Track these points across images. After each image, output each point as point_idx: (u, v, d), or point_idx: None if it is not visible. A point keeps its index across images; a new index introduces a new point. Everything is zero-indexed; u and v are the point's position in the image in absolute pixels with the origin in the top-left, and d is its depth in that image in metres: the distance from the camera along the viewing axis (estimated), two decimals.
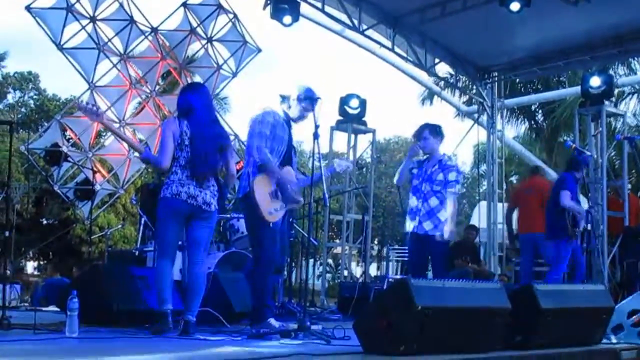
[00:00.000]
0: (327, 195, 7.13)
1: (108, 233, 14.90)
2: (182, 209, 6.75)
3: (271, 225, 7.04)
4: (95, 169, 15.34)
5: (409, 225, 8.48)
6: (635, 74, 25.83)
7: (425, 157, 8.75)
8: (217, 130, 7.00)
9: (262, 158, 6.93)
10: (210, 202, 6.83)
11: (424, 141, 8.62)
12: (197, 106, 6.97)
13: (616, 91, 15.02)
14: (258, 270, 7.06)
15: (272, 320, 6.84)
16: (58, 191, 16.62)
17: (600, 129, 13.12)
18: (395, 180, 8.99)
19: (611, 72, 20.67)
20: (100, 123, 8.09)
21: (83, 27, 15.55)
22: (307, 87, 7.27)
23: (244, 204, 7.15)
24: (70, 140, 16.60)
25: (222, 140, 6.98)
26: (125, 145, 15.46)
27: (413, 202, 8.52)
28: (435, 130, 8.66)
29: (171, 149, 6.78)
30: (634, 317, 6.87)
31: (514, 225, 12.41)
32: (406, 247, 9.91)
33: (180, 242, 7.21)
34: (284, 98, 7.27)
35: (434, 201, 8.40)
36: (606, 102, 13.08)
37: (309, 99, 7.17)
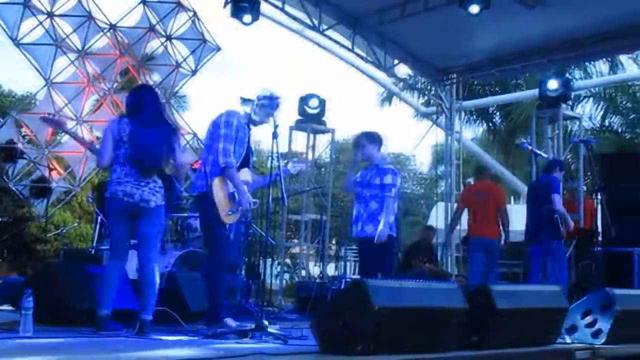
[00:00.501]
0: (285, 195, 7.13)
1: (63, 231, 14.76)
2: (121, 207, 6.73)
3: (230, 226, 7.07)
4: (51, 166, 15.21)
5: (354, 231, 8.65)
6: (592, 77, 26.11)
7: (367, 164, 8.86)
8: (160, 126, 6.90)
9: (228, 162, 6.96)
10: (148, 199, 6.71)
11: (362, 149, 8.70)
12: (141, 104, 6.98)
13: (573, 94, 15.15)
14: (213, 269, 7.07)
15: (229, 320, 6.84)
16: (13, 188, 16.44)
17: (557, 131, 13.24)
18: (341, 189, 9.11)
19: (568, 75, 20.82)
20: (66, 133, 8.10)
21: (40, 23, 15.41)
22: (270, 92, 7.30)
23: (200, 203, 7.14)
24: (26, 137, 16.45)
25: (165, 135, 6.86)
26: None
27: (356, 208, 8.64)
28: (372, 137, 8.75)
29: (108, 147, 6.81)
30: (588, 317, 6.94)
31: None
32: None
33: (133, 242, 7.15)
34: (245, 100, 7.25)
35: (373, 205, 8.49)
36: (563, 105, 13.21)
37: (271, 104, 7.21)
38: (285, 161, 8.90)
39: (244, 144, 7.18)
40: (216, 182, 6.93)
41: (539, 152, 10.19)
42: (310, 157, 15.07)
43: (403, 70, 18.22)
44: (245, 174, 7.29)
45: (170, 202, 6.98)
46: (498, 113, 29.37)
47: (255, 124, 7.34)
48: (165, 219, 7.12)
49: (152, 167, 6.78)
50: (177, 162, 6.92)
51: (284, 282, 16.05)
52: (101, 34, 16.17)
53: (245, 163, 7.25)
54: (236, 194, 7.07)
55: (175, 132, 7.06)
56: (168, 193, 6.89)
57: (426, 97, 21.67)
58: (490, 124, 30.05)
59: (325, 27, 13.86)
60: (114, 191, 6.74)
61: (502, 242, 11.70)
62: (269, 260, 13.28)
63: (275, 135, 6.90)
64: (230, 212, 7.07)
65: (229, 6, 12.47)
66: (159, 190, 6.79)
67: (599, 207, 10.47)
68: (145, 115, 6.88)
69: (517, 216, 16.19)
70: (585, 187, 12.74)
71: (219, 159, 6.93)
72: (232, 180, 7.06)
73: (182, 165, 7.01)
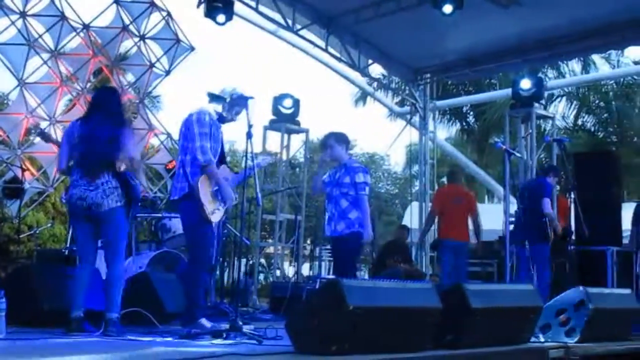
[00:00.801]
0: (259, 195, 7.12)
1: (37, 232, 14.67)
2: (76, 211, 6.73)
3: (213, 225, 7.07)
4: (24, 166, 15.11)
5: (327, 231, 8.65)
6: (564, 77, 26.28)
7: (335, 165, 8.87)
8: (106, 124, 6.81)
9: (207, 159, 6.89)
10: (99, 202, 6.63)
11: (330, 149, 8.73)
12: (94, 105, 7.04)
13: (546, 94, 15.23)
14: (194, 270, 7.03)
15: (204, 321, 6.81)
16: None
17: (530, 130, 13.32)
18: (311, 191, 9.08)
19: (541, 75, 20.95)
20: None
21: (13, 23, 15.29)
22: (237, 91, 7.29)
23: (184, 204, 7.07)
24: None
25: (110, 132, 6.76)
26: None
27: (328, 208, 8.67)
28: (339, 138, 8.78)
29: (64, 152, 6.87)
30: (562, 316, 6.98)
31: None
32: None
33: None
34: (215, 97, 7.22)
35: (343, 203, 8.50)
36: (536, 105, 13.28)
37: (242, 103, 7.19)
38: (261, 155, 8.95)
39: (218, 141, 7.13)
40: (201, 181, 6.89)
41: (512, 151, 10.22)
42: (284, 157, 15.08)
43: (377, 70, 18.28)
44: (224, 171, 7.26)
45: (130, 200, 6.86)
46: (472, 112, 29.54)
47: (225, 121, 7.30)
48: (128, 218, 6.93)
49: (96, 167, 6.71)
50: (127, 157, 6.80)
51: (259, 282, 16.03)
52: (74, 33, 16.07)
53: (221, 160, 7.22)
54: (219, 192, 7.04)
55: (122, 127, 6.86)
56: (126, 192, 6.76)
57: (400, 97, 21.69)
58: (464, 124, 30.22)
59: (299, 27, 13.86)
60: (70, 195, 6.79)
61: (476, 243, 11.82)
62: (243, 260, 13.28)
63: (249, 135, 6.87)
64: (216, 211, 7.05)
65: (202, 6, 12.44)
66: (112, 191, 6.68)
67: (572, 206, 10.53)
68: (95, 116, 6.87)
69: (491, 215, 16.30)
70: (558, 186, 12.80)
71: (198, 157, 6.88)
72: (214, 177, 6.97)
73: (132, 159, 6.85)
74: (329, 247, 14.02)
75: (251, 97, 7.10)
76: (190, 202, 6.92)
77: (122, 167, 6.79)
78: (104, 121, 6.82)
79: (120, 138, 6.75)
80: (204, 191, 6.91)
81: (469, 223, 11.77)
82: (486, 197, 32.31)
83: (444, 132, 29.62)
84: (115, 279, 6.75)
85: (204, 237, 7.00)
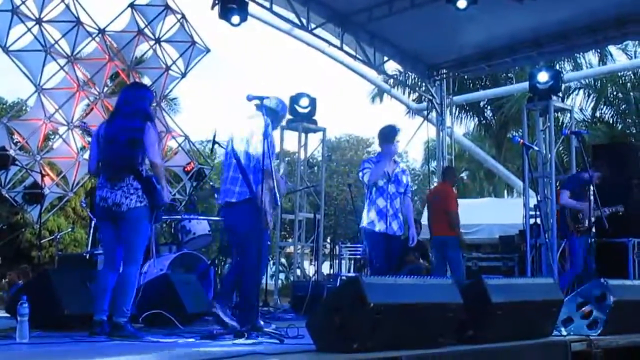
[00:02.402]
0: (278, 195, 7.13)
1: (58, 237, 14.74)
2: (100, 212, 6.76)
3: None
4: (43, 172, 15.15)
5: (379, 226, 8.59)
6: (581, 69, 26.17)
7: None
8: (127, 125, 6.81)
9: (268, 165, 6.93)
10: (120, 202, 6.64)
11: (397, 143, 8.77)
12: (119, 104, 7.02)
13: (563, 86, 15.19)
14: (253, 273, 7.04)
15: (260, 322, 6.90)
16: (6, 195, 16.39)
17: (549, 123, 13.26)
18: (366, 179, 8.83)
19: (557, 67, 20.86)
20: None
21: (29, 29, 15.34)
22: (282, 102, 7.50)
23: (244, 208, 7.06)
24: (18, 144, 16.38)
25: (130, 134, 6.74)
26: (74, 147, 15.37)
27: (381, 202, 8.63)
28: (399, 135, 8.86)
29: (93, 153, 6.99)
30: (583, 308, 6.96)
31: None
32: (359, 245, 9.99)
33: None
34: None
35: (397, 202, 8.64)
36: (554, 97, 13.21)
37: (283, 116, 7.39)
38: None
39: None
40: (265, 188, 6.91)
41: (530, 145, 10.20)
42: (302, 156, 15.08)
43: (393, 66, 18.28)
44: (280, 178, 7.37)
45: (154, 203, 6.83)
46: (489, 107, 29.46)
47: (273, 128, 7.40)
48: (152, 221, 6.88)
49: (117, 170, 6.74)
50: (151, 161, 6.79)
51: (280, 281, 16.05)
52: (90, 38, 16.10)
53: None
54: (277, 188, 7.08)
55: (143, 128, 6.78)
56: (149, 194, 6.73)
57: (417, 94, 21.68)
58: (482, 118, 30.14)
59: (313, 25, 13.86)
60: (96, 196, 6.82)
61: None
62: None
63: (266, 135, 6.87)
64: (272, 217, 7.15)
65: (217, 8, 12.47)
66: (133, 192, 6.67)
67: (592, 198, 10.49)
68: (118, 116, 6.91)
69: (511, 209, 16.27)
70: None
71: (262, 162, 6.88)
72: (273, 181, 7.01)
73: (152, 163, 6.82)
74: (349, 244, 14.03)
75: (267, 97, 7.11)
76: (251, 206, 6.94)
77: (147, 170, 6.83)
78: (126, 122, 6.83)
79: (140, 140, 6.72)
80: (266, 198, 6.95)
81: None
82: (505, 192, 32.24)
83: (461, 127, 29.62)
84: (124, 281, 6.71)
85: (261, 243, 6.98)
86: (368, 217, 8.74)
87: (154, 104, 17.40)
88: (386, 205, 8.59)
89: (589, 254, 10.64)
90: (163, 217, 10.79)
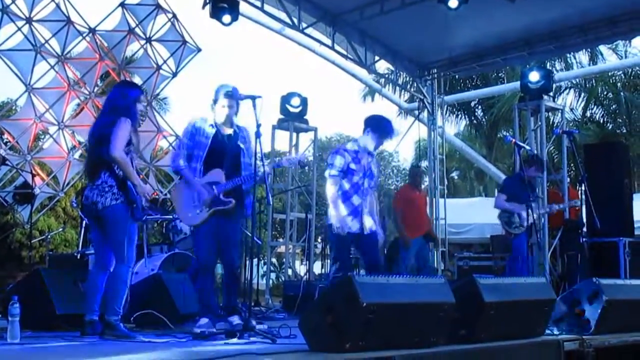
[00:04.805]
0: (270, 195, 7.12)
1: (48, 237, 14.69)
2: (84, 212, 6.80)
3: (200, 227, 7.16)
4: (34, 172, 15.10)
5: (354, 225, 7.95)
6: (572, 69, 26.21)
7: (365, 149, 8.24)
8: (102, 122, 6.78)
9: (174, 166, 7.15)
10: (96, 200, 6.60)
11: (383, 143, 8.48)
12: (105, 103, 7.04)
13: (554, 86, 15.21)
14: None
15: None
16: None
17: (540, 123, 13.28)
18: (334, 186, 8.32)
19: (548, 67, 20.90)
20: None
21: (19, 29, 15.31)
22: (218, 87, 7.26)
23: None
24: (8, 144, 16.34)
25: (101, 130, 6.69)
26: (65, 147, 15.34)
27: (356, 200, 8.00)
28: None
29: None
30: (575, 308, 6.96)
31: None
32: None
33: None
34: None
35: (369, 198, 8.11)
36: (545, 97, 13.24)
37: (223, 95, 7.17)
38: (268, 160, 8.86)
39: (203, 147, 7.17)
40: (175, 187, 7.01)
41: (522, 144, 10.21)
42: (293, 156, 15.06)
43: (384, 65, 18.26)
44: (216, 176, 7.24)
45: (130, 202, 6.66)
46: (480, 107, 29.49)
47: (223, 123, 7.31)
48: (131, 218, 6.73)
49: (92, 168, 6.77)
50: (109, 154, 6.59)
51: (270, 281, 16.04)
52: (80, 38, 16.08)
53: (216, 164, 7.21)
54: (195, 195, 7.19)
55: (114, 123, 6.63)
56: (125, 191, 6.63)
57: (408, 94, 21.68)
58: (473, 118, 30.16)
59: (304, 25, 13.84)
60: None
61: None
62: (255, 260, 13.28)
63: (258, 135, 6.84)
64: (195, 214, 7.20)
65: (208, 7, 12.44)
66: (108, 190, 6.60)
67: (583, 197, 10.50)
68: (100, 114, 6.93)
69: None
70: (569, 178, 12.79)
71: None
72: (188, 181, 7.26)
73: (112, 158, 6.57)
74: None
75: (259, 97, 7.05)
76: None
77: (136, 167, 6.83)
78: (103, 119, 6.83)
79: (109, 135, 6.59)
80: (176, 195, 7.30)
81: (400, 218, 12.27)
82: (496, 191, 32.28)
83: (452, 127, 29.62)
84: (114, 280, 6.67)
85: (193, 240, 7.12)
86: (338, 214, 7.95)
87: (145, 104, 17.39)
88: (360, 202, 7.98)
89: (530, 254, 10.75)
90: (155, 217, 10.77)
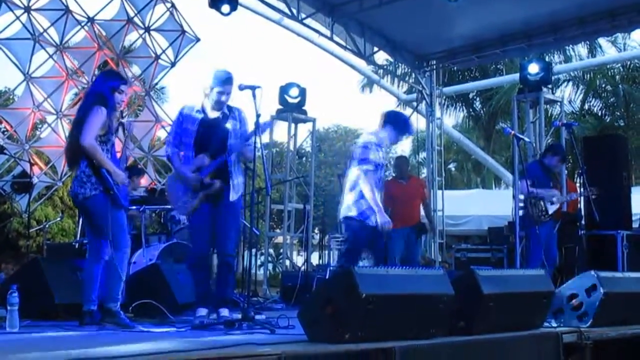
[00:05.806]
0: (269, 185, 7.11)
1: (46, 226, 14.70)
2: (74, 203, 6.75)
3: (194, 216, 7.15)
4: (32, 161, 15.11)
5: (373, 219, 8.06)
6: (571, 61, 26.23)
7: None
8: (78, 110, 6.77)
9: (165, 155, 7.18)
10: (77, 192, 6.57)
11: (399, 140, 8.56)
12: None
13: (552, 78, 15.20)
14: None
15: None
16: None
17: (538, 115, 13.28)
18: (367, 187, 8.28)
19: (547, 59, 20.91)
20: None
21: (17, 18, 15.28)
22: (215, 73, 7.20)
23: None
24: (6, 133, 16.35)
25: (76, 118, 6.69)
26: (63, 136, 15.33)
27: (377, 194, 8.13)
28: None
29: None
30: (574, 300, 6.97)
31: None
32: None
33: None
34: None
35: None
36: (544, 89, 13.24)
37: (218, 82, 7.11)
38: (266, 151, 8.83)
39: (190, 134, 7.11)
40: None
41: (521, 136, 10.19)
42: (291, 146, 15.07)
43: (383, 57, 18.26)
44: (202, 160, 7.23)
45: (106, 190, 6.57)
46: (478, 98, 29.51)
47: (213, 108, 7.25)
48: (110, 207, 6.61)
49: (70, 157, 6.75)
50: (80, 141, 6.53)
51: (268, 272, 16.05)
52: (79, 27, 16.06)
53: (203, 149, 7.12)
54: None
55: (87, 110, 6.58)
56: (101, 179, 6.54)
57: (407, 85, 21.68)
58: (471, 110, 30.19)
59: (303, 15, 13.83)
60: None
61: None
62: (253, 251, 13.27)
63: (257, 125, 6.82)
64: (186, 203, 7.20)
65: None
66: (86, 180, 6.55)
67: (582, 190, 10.49)
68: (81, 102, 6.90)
69: (500, 201, 16.29)
70: (567, 171, 12.79)
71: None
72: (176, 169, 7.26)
73: (82, 146, 6.51)
74: (337, 235, 14.01)
75: (259, 87, 7.00)
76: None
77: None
78: (80, 107, 6.82)
79: (82, 122, 6.54)
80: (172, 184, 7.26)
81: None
82: (493, 183, 32.30)
83: (450, 118, 29.66)
84: (108, 267, 6.67)
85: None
86: (357, 207, 8.12)
87: (143, 93, 17.38)
88: (379, 196, 8.14)
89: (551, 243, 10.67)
90: (152, 207, 10.74)
